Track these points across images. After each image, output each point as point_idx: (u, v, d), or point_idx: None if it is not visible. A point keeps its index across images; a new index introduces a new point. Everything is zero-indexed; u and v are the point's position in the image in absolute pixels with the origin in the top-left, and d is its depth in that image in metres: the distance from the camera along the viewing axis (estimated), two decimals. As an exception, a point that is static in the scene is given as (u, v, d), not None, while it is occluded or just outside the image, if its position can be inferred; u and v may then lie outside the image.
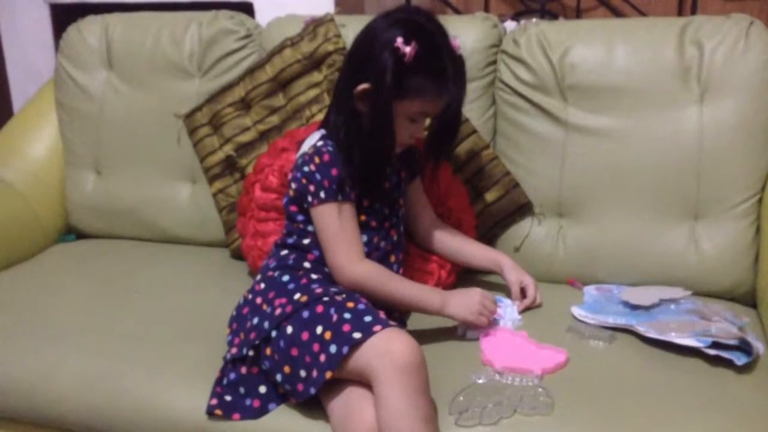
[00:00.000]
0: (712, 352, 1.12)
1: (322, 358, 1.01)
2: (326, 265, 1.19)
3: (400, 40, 1.12)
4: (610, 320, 1.25)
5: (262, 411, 1.09)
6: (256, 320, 1.12)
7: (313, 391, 1.02)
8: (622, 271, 1.41)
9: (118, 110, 1.71)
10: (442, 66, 1.16)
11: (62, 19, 2.27)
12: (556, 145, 1.45)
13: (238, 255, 1.58)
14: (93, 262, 1.60)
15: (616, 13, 2.71)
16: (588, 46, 1.44)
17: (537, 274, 1.38)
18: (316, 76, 1.54)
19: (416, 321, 1.26)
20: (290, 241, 1.24)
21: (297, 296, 1.11)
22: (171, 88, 1.67)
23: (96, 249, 1.69)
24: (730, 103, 1.35)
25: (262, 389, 1.10)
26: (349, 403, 1.01)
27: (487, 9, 2.77)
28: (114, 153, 1.72)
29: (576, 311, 1.30)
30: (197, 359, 1.18)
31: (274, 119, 1.57)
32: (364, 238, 1.21)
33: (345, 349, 0.99)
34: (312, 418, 1.06)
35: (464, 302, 1.18)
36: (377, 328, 1.00)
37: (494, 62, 1.52)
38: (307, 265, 1.20)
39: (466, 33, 1.47)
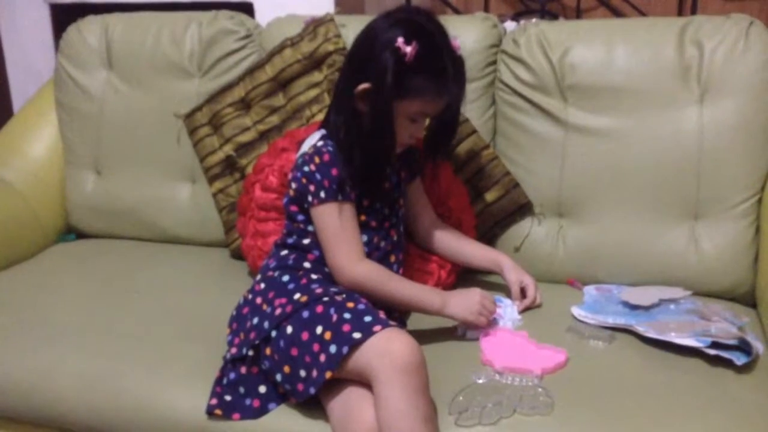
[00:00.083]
0: (712, 352, 1.12)
1: (322, 358, 1.01)
2: (326, 265, 1.19)
3: (401, 40, 1.12)
4: (610, 320, 1.25)
5: (262, 411, 1.09)
6: (256, 320, 1.12)
7: (312, 390, 1.02)
8: (622, 271, 1.41)
9: (118, 110, 1.71)
10: (443, 66, 1.16)
11: (62, 19, 2.27)
12: (556, 145, 1.45)
13: (238, 255, 1.58)
14: (93, 262, 1.60)
15: (616, 13, 2.71)
16: (588, 47, 1.44)
17: (537, 274, 1.38)
18: (316, 76, 1.54)
19: (416, 321, 1.26)
20: (290, 241, 1.24)
21: (297, 296, 1.11)
22: (171, 88, 1.67)
23: (96, 249, 1.69)
24: (730, 103, 1.35)
25: (262, 389, 1.10)
26: (349, 403, 1.01)
27: (487, 9, 2.77)
28: (114, 153, 1.73)
29: (576, 311, 1.30)
30: (197, 359, 1.18)
31: (274, 119, 1.57)
32: (364, 238, 1.21)
33: (345, 349, 0.99)
34: (312, 418, 1.06)
35: (464, 302, 1.18)
36: (377, 328, 1.00)
37: (494, 62, 1.52)
38: (307, 265, 1.20)
39: (466, 33, 1.47)
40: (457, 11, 2.69)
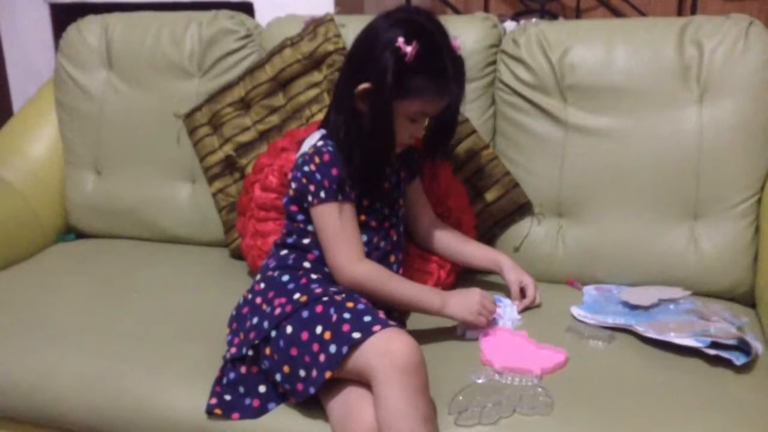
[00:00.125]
0: (711, 352, 1.12)
1: (322, 357, 1.01)
2: (326, 265, 1.19)
3: (401, 40, 1.12)
4: (610, 320, 1.25)
5: (262, 410, 1.09)
6: (255, 320, 1.12)
7: (312, 390, 1.02)
8: (622, 271, 1.41)
9: (118, 110, 1.71)
10: (443, 66, 1.16)
11: (62, 18, 2.27)
12: (556, 145, 1.45)
13: (237, 255, 1.58)
14: (92, 262, 1.60)
15: (616, 13, 2.71)
16: (588, 47, 1.44)
17: (536, 274, 1.38)
18: (316, 76, 1.54)
19: (416, 321, 1.26)
20: (290, 240, 1.24)
21: (297, 296, 1.11)
22: (171, 87, 1.67)
23: (96, 249, 1.69)
24: (729, 104, 1.36)
25: (262, 389, 1.10)
26: (349, 402, 1.01)
27: (486, 9, 2.77)
28: (114, 153, 1.73)
29: (575, 311, 1.30)
30: (197, 359, 1.18)
31: (274, 119, 1.57)
32: (364, 238, 1.21)
33: (344, 349, 0.99)
34: (311, 417, 1.06)
35: (464, 302, 1.18)
36: (377, 327, 1.00)
37: (494, 62, 1.52)
38: (306, 264, 1.20)
39: (466, 33, 1.47)
40: (457, 11, 2.69)
